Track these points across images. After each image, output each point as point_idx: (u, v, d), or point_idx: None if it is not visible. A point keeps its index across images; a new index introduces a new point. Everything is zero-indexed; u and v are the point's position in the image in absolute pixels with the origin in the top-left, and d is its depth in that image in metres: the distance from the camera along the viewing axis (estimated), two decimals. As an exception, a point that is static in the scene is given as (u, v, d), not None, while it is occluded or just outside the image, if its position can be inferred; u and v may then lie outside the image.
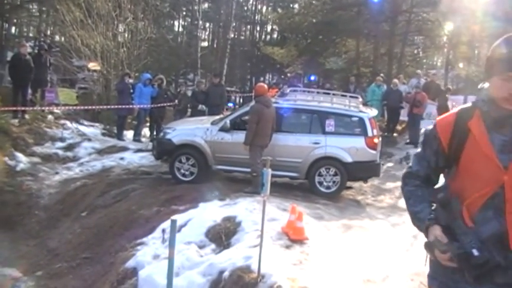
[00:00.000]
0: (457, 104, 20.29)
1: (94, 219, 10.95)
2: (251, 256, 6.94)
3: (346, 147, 11.65)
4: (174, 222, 5.22)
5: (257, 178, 9.91)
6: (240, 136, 11.33)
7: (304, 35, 34.71)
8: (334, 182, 11.65)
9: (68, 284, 8.91)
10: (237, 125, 11.95)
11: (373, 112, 12.83)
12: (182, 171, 12.09)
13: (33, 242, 11.05)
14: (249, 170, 11.21)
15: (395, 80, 20.07)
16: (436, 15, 24.44)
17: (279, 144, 11.71)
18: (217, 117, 13.54)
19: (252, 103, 11.68)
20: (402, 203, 11.09)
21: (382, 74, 22.44)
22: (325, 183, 11.67)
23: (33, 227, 11.70)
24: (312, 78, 32.02)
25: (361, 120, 11.88)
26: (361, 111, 12.15)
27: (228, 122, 12.06)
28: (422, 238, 8.69)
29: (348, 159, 11.59)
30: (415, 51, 32.94)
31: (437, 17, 24.28)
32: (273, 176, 11.86)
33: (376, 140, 11.89)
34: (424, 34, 29.68)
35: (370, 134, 11.75)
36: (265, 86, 12.54)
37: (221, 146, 12.00)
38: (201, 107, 17.50)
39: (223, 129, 12.01)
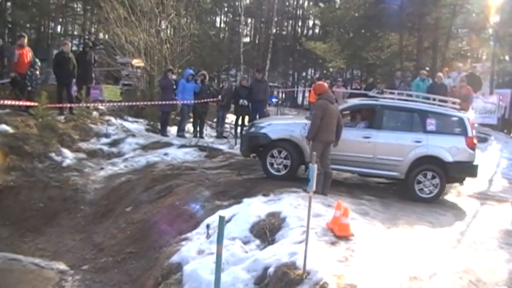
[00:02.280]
0: (504, 98, 19.95)
1: (139, 215, 11.03)
2: (296, 252, 6.90)
3: (447, 147, 11.55)
4: (222, 218, 5.17)
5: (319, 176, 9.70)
6: (339, 132, 11.12)
7: (347, 30, 34.39)
8: (432, 188, 11.54)
9: (113, 278, 9.02)
10: None
11: (471, 114, 12.69)
12: (275, 165, 11.80)
13: (79, 236, 11.20)
14: (347, 167, 11.70)
15: (440, 74, 19.67)
16: (482, 7, 23.90)
17: (380, 142, 11.63)
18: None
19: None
20: (447, 198, 10.95)
21: (427, 68, 22.04)
22: (423, 188, 11.57)
23: (79, 221, 11.86)
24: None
25: (461, 120, 11.85)
26: (459, 111, 12.17)
27: None
28: (468, 235, 8.51)
29: (449, 158, 11.49)
30: (460, 45, 32.21)
31: (483, 9, 23.72)
32: (372, 175, 12.25)
33: (475, 141, 11.93)
34: (468, 27, 29.06)
35: (470, 134, 11.73)
36: (325, 84, 12.36)
37: None
38: (242, 101, 17.58)
39: None
